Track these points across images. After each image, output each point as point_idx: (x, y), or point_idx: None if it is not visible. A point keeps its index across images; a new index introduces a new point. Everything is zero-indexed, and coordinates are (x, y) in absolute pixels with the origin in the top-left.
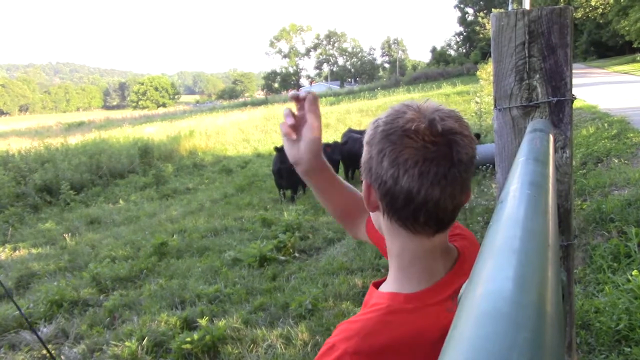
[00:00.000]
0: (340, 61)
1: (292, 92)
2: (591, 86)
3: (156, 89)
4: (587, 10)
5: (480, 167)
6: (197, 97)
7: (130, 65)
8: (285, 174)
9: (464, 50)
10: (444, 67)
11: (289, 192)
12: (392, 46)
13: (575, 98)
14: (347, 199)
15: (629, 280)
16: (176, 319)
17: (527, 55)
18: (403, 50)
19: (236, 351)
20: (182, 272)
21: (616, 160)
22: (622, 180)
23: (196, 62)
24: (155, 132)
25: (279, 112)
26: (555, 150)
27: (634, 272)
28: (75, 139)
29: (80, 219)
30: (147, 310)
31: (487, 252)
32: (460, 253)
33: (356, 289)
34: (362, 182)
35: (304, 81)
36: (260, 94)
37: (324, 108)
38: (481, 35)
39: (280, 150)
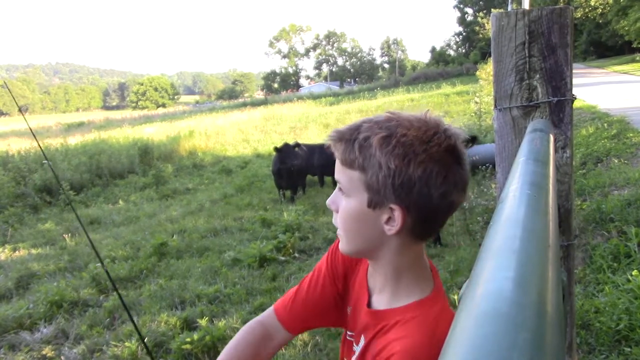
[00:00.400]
0: (340, 61)
1: None
2: (591, 86)
3: (156, 89)
4: (587, 10)
5: (480, 167)
6: (197, 97)
7: (130, 65)
8: (285, 175)
9: (464, 51)
10: (444, 67)
11: (288, 193)
12: (392, 46)
13: (575, 98)
14: None
15: (629, 280)
16: (176, 319)
17: (527, 55)
18: (402, 51)
19: None
20: (182, 273)
21: (616, 160)
22: (622, 180)
23: (196, 62)
24: (155, 133)
25: (279, 112)
26: (556, 150)
27: (634, 272)
28: (74, 140)
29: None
30: (147, 311)
31: (487, 252)
32: None
33: None
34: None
35: (303, 81)
36: (259, 94)
37: (323, 108)
38: (481, 36)
39: (280, 151)
